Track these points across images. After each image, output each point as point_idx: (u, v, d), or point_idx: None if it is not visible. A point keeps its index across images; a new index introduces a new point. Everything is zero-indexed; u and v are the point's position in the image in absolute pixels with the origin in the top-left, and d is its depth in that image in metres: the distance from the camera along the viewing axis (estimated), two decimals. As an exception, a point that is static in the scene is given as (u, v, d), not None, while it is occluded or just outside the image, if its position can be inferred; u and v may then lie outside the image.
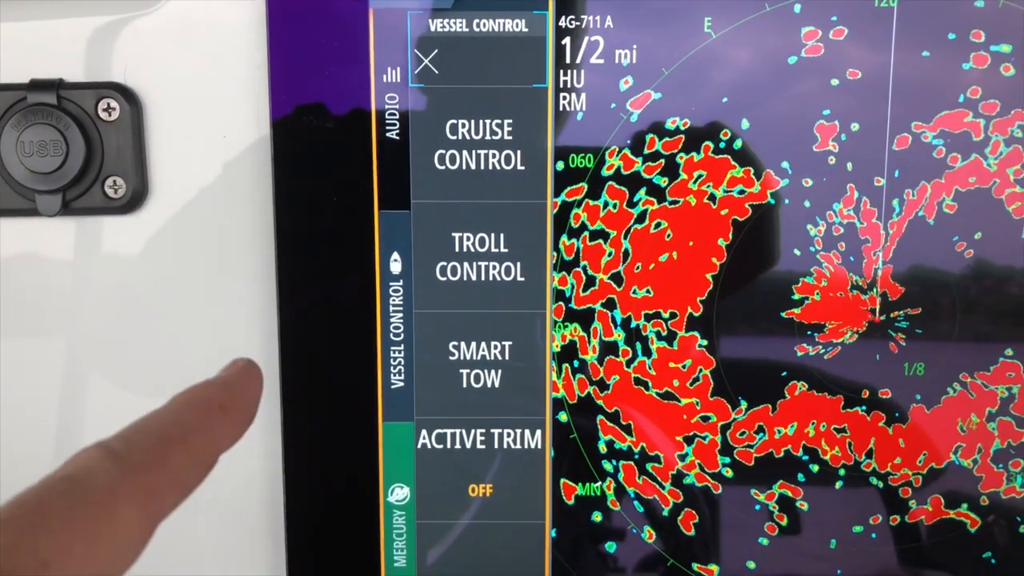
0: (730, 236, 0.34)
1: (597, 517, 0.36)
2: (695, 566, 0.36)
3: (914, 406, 0.35)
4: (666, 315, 0.34)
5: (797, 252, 0.34)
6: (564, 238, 0.34)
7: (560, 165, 0.33)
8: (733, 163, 0.33)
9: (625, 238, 0.34)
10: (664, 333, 0.34)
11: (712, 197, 0.34)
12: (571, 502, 0.36)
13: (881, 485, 0.35)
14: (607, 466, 0.35)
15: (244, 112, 0.34)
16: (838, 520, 0.36)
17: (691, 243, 0.34)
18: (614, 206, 0.34)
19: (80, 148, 0.33)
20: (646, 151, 0.33)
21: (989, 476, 0.35)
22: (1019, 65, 0.32)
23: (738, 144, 0.33)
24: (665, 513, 0.36)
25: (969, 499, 0.35)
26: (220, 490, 0.37)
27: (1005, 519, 0.35)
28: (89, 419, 0.36)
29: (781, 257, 0.34)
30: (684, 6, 0.32)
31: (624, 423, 0.35)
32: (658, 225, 0.34)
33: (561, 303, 0.34)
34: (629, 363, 0.35)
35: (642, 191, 0.33)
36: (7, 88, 0.33)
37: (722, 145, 0.33)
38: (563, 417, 0.35)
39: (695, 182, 0.33)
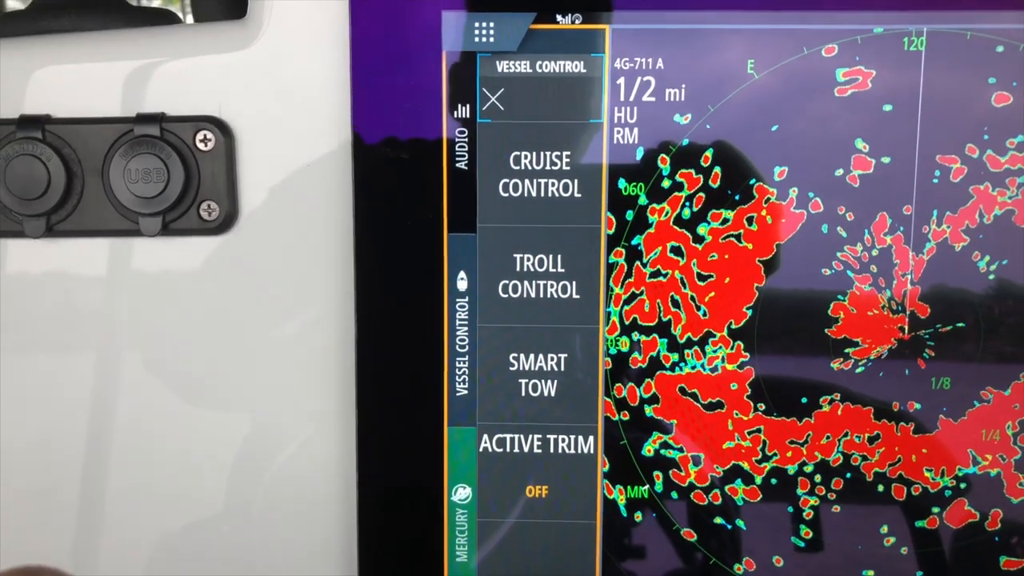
0: (769, 259, 0.37)
1: (644, 518, 0.38)
2: (736, 567, 0.39)
3: (941, 418, 0.37)
4: (710, 330, 0.37)
5: (832, 274, 0.37)
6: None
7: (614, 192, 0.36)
8: (773, 194, 0.36)
9: (673, 258, 0.37)
10: (708, 348, 0.37)
11: (752, 220, 0.36)
12: (621, 504, 0.38)
13: (910, 493, 0.38)
14: (654, 470, 0.38)
15: (327, 142, 0.37)
16: (869, 527, 0.38)
17: (734, 265, 0.37)
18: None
19: (179, 175, 0.37)
20: (694, 179, 0.36)
21: (1011, 485, 0.38)
22: (1038, 104, 0.35)
23: (778, 175, 0.36)
24: (706, 515, 0.38)
25: (993, 508, 0.38)
26: (298, 489, 0.40)
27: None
28: (171, 432, 0.40)
29: (817, 279, 0.37)
30: (729, 49, 0.35)
31: (671, 432, 0.38)
32: (701, 242, 0.37)
33: (614, 317, 0.37)
34: (676, 375, 0.37)
35: (687, 213, 0.37)
36: (117, 121, 0.37)
37: (763, 175, 0.36)
38: (614, 424, 0.38)
39: (736, 208, 0.36)
